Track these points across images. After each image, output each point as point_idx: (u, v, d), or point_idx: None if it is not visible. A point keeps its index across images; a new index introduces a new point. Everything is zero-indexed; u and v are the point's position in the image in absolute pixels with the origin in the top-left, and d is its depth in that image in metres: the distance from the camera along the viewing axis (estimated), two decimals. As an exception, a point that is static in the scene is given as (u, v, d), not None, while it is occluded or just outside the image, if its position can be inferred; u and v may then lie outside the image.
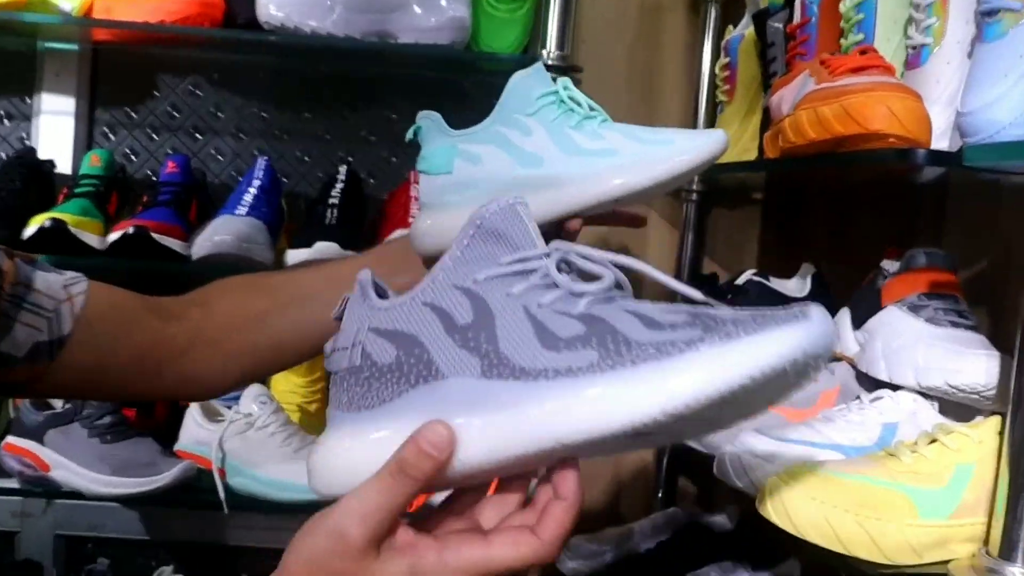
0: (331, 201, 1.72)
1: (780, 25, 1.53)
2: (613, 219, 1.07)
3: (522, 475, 0.69)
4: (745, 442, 1.17)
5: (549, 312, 0.63)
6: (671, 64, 1.99)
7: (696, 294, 0.65)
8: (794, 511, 1.00)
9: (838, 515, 0.98)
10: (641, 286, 0.73)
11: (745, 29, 1.71)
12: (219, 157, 1.96)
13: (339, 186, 1.75)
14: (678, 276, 1.90)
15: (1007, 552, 0.88)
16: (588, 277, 0.66)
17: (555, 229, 0.95)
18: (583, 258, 0.66)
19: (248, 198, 1.69)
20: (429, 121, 0.99)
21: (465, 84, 1.98)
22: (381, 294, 0.71)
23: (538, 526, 0.64)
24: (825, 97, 1.10)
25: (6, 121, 1.92)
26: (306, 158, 1.97)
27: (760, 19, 1.60)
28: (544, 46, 1.75)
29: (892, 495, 0.99)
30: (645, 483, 2.04)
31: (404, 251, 0.96)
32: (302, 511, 1.64)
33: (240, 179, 1.82)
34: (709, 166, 0.97)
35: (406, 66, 1.93)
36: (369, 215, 1.82)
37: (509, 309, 0.65)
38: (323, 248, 1.61)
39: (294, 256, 1.64)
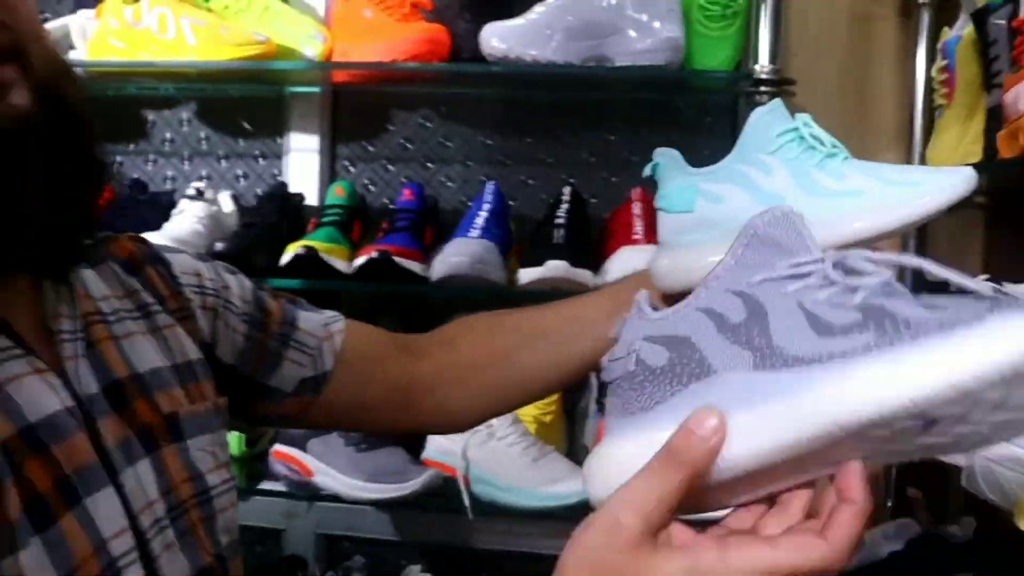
0: (557, 221, 1.79)
1: (1003, 21, 1.50)
2: None
3: (802, 488, 0.66)
4: (999, 452, 1.16)
5: (824, 306, 0.62)
6: (884, 72, 1.98)
7: (988, 287, 0.60)
8: None
9: None
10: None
11: (962, 30, 1.68)
12: (449, 184, 2.08)
13: (564, 207, 1.82)
14: (901, 281, 1.89)
15: None
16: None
17: None
18: (862, 260, 0.64)
19: (480, 221, 1.78)
20: (668, 158, 1.00)
21: (680, 103, 2.02)
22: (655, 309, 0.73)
23: (826, 530, 0.60)
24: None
25: (261, 160, 2.12)
26: (530, 181, 2.06)
27: (980, 17, 1.58)
28: (756, 61, 1.77)
29: None
30: (875, 492, 2.01)
31: (638, 289, 0.93)
32: (541, 517, 1.74)
33: (469, 204, 1.93)
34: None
35: (622, 89, 1.98)
36: (593, 233, 1.88)
37: (783, 305, 0.64)
38: (554, 266, 1.69)
39: (526, 275, 1.72)
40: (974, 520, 1.70)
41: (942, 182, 0.91)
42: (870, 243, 0.89)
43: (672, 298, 0.83)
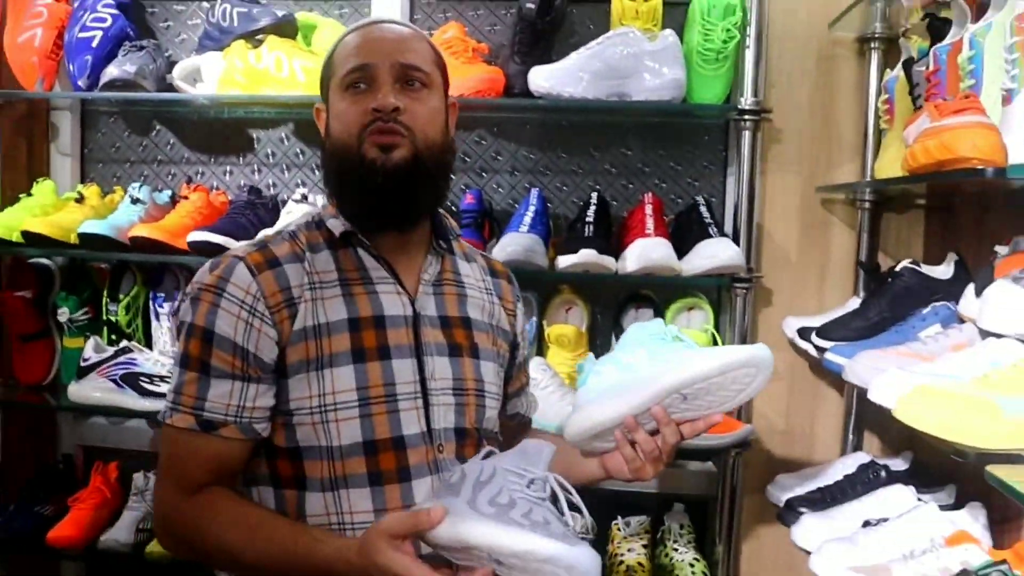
0: (587, 219, 2.24)
1: (922, 70, 1.92)
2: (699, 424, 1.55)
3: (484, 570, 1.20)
4: (891, 376, 1.63)
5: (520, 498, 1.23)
6: (845, 98, 2.42)
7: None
8: (919, 413, 1.47)
9: (949, 414, 1.42)
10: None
11: (899, 72, 2.11)
12: (500, 190, 2.55)
13: (592, 208, 2.26)
14: (856, 266, 2.37)
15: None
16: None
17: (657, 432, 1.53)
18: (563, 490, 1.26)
19: (527, 219, 2.25)
20: (586, 361, 1.62)
21: (682, 127, 2.47)
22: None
23: None
24: (932, 134, 1.57)
25: (347, 170, 2.60)
26: (563, 188, 2.52)
27: (907, 66, 2.02)
28: (742, 94, 2.25)
29: (985, 402, 1.43)
30: (837, 436, 2.50)
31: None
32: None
33: (515, 205, 2.41)
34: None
35: (637, 116, 2.43)
36: (614, 229, 2.34)
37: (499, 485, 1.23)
38: (586, 254, 2.15)
39: (564, 261, 2.18)
40: (911, 454, 2.18)
41: (738, 349, 1.49)
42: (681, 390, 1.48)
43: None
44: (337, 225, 1.50)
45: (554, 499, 1.26)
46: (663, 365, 1.51)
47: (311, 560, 1.34)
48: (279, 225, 2.34)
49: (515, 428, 1.79)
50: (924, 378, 1.59)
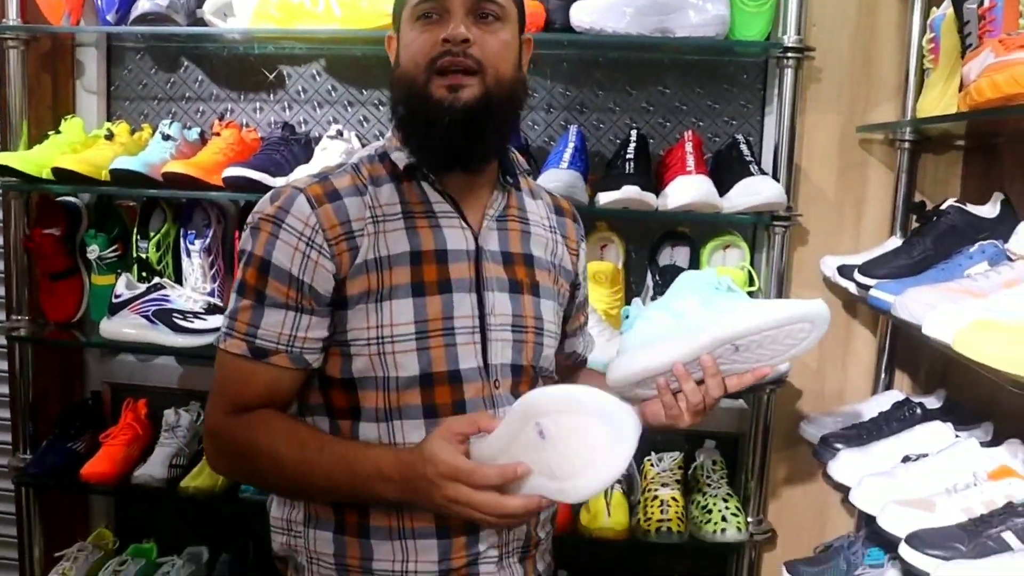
0: (627, 156, 2.24)
1: (974, 6, 1.88)
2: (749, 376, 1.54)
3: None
4: (946, 310, 1.64)
5: None
6: (886, 39, 2.41)
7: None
8: (978, 345, 1.48)
9: (1008, 347, 1.43)
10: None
11: (947, 9, 2.08)
12: (535, 127, 2.54)
13: (632, 144, 2.27)
14: (894, 206, 2.38)
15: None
16: None
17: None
18: None
19: (567, 155, 2.25)
20: (632, 305, 1.59)
21: (720, 64, 2.46)
22: None
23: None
24: (1000, 68, 1.57)
25: (381, 107, 2.58)
26: (600, 125, 2.52)
27: (958, 2, 1.97)
28: (784, 31, 2.24)
29: None
30: (868, 375, 2.52)
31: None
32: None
33: (551, 143, 2.41)
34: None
35: (677, 52, 2.42)
36: (653, 166, 2.34)
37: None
38: (628, 190, 2.15)
39: (605, 197, 2.18)
40: (944, 391, 2.21)
41: (792, 303, 1.50)
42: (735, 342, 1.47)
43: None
44: (401, 158, 1.49)
45: None
46: (717, 314, 1.49)
47: (361, 462, 1.38)
48: (317, 161, 2.34)
49: (571, 367, 1.81)
50: (980, 312, 1.59)
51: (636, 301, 1.63)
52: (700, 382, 1.51)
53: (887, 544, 1.85)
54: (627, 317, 1.60)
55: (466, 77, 1.41)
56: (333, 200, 1.43)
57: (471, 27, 1.41)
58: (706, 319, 1.49)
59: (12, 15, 2.50)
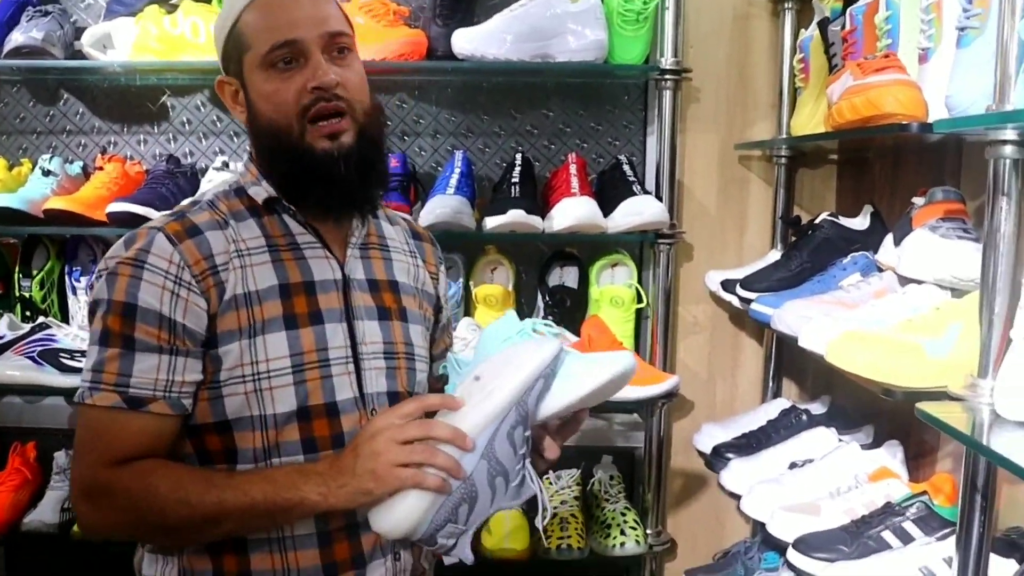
0: (512, 180, 2.27)
1: (838, 29, 1.98)
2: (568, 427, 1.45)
3: None
4: (819, 323, 1.70)
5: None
6: (760, 59, 2.49)
7: None
8: (849, 356, 1.53)
9: (877, 357, 1.48)
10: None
11: (814, 31, 2.17)
12: (422, 153, 2.55)
13: (517, 168, 2.29)
14: (774, 220, 2.45)
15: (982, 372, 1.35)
16: None
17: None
18: None
19: (453, 181, 2.26)
20: (449, 363, 1.44)
21: (602, 87, 2.50)
22: None
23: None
24: (857, 91, 1.64)
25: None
26: (486, 150, 2.54)
27: (823, 25, 2.08)
28: (662, 54, 2.30)
29: (910, 344, 1.49)
30: (757, 384, 2.59)
31: None
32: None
33: (438, 168, 2.43)
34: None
35: (559, 77, 2.46)
36: (539, 188, 2.37)
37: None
38: (514, 214, 2.18)
39: (492, 221, 2.20)
40: (828, 398, 2.29)
41: (597, 365, 1.35)
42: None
43: None
44: (260, 192, 1.46)
45: None
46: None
47: (278, 470, 1.34)
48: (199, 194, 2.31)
49: (441, 390, 1.70)
50: (851, 324, 1.66)
51: (451, 357, 1.45)
52: None
53: (781, 548, 1.91)
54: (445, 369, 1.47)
55: (340, 121, 1.39)
56: (194, 235, 1.38)
57: (332, 66, 1.39)
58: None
59: None
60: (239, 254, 1.40)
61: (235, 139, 2.57)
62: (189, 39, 2.28)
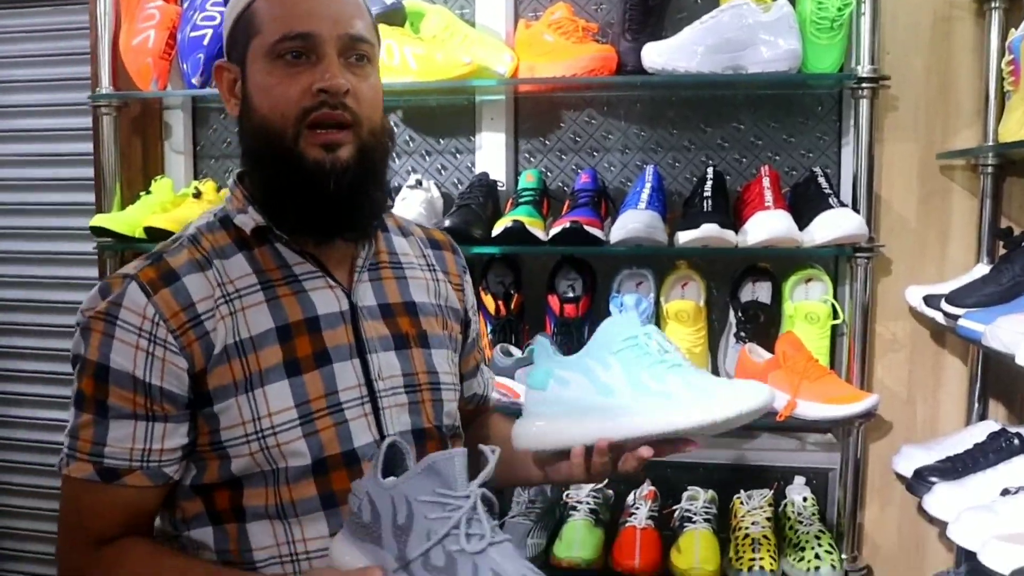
0: (704, 194, 2.23)
1: None
2: (671, 446, 1.30)
3: None
4: None
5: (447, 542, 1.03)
6: (962, 63, 2.37)
7: None
8: None
9: None
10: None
11: None
12: (611, 168, 2.55)
13: (708, 182, 2.26)
14: (980, 232, 2.33)
15: None
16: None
17: (620, 451, 1.29)
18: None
19: (644, 196, 2.25)
20: (540, 345, 1.36)
21: (794, 97, 2.45)
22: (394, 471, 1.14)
23: None
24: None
25: (457, 155, 2.63)
26: (675, 164, 2.52)
27: None
28: (858, 62, 2.23)
29: None
30: (960, 405, 2.46)
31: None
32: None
33: (628, 184, 2.43)
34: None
35: (749, 88, 2.42)
36: (732, 202, 2.34)
37: (423, 528, 1.04)
38: (708, 228, 2.13)
39: (684, 236, 2.16)
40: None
41: (739, 394, 1.24)
42: (681, 435, 1.26)
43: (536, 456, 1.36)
44: (247, 221, 1.30)
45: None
46: (650, 401, 1.28)
47: None
48: (398, 210, 2.36)
49: (473, 411, 1.65)
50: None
51: (540, 339, 1.41)
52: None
53: (990, 579, 1.81)
54: (535, 359, 1.40)
55: (340, 132, 1.26)
56: (170, 283, 1.25)
57: (345, 73, 1.26)
58: (639, 406, 1.29)
59: (105, 83, 2.63)
60: (227, 298, 1.26)
61: (427, 158, 2.64)
62: (384, 62, 2.35)
